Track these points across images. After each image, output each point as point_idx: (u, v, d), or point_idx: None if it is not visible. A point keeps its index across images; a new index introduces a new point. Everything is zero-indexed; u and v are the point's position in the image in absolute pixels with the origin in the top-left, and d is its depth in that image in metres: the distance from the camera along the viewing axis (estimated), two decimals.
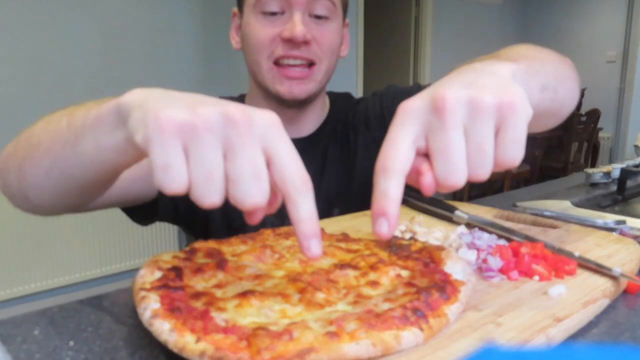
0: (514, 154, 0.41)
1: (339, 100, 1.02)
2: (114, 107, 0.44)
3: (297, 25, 0.81)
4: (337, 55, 0.90)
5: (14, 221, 2.46)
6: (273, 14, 0.83)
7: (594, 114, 4.54)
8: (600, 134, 4.97)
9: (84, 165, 0.49)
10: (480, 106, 0.39)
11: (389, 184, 0.41)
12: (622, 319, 0.50)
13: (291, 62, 0.84)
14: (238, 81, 3.09)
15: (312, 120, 0.95)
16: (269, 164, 0.39)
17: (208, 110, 0.37)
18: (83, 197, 0.58)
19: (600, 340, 0.46)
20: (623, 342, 0.46)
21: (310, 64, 0.85)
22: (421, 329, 0.41)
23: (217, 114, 0.37)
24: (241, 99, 0.99)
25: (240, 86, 0.93)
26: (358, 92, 3.90)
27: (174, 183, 0.36)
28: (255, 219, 0.42)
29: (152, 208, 0.84)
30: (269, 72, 0.85)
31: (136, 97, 0.42)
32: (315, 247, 0.40)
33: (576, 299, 0.49)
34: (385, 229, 0.42)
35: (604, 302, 0.51)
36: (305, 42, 0.83)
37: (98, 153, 0.46)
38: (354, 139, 0.97)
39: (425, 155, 0.41)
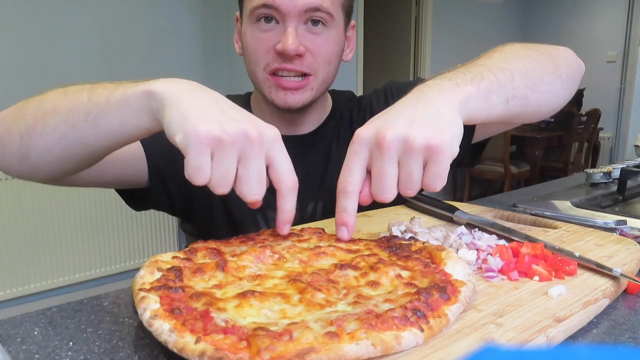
0: (436, 184, 0.52)
1: (341, 98, 1.02)
2: (142, 92, 0.55)
3: (290, 39, 0.80)
4: (337, 62, 0.90)
5: (14, 221, 2.46)
6: (268, 23, 0.83)
7: (594, 114, 4.54)
8: (601, 134, 4.97)
9: (102, 136, 0.59)
10: (411, 146, 0.50)
11: (348, 203, 0.55)
12: (622, 319, 0.50)
13: (285, 74, 0.84)
14: (238, 81, 3.09)
15: (312, 120, 0.96)
16: (268, 167, 0.53)
17: (234, 127, 0.50)
18: (84, 163, 0.65)
19: (601, 341, 0.46)
20: (623, 343, 0.46)
21: (305, 75, 0.85)
22: (421, 329, 0.41)
23: (240, 133, 0.50)
24: (247, 96, 1.01)
25: (240, 86, 0.93)
26: (358, 92, 3.89)
27: (200, 179, 0.50)
28: (255, 206, 0.55)
29: (145, 195, 0.87)
30: (265, 82, 0.86)
31: (167, 91, 0.54)
32: (287, 229, 0.58)
33: (576, 299, 0.49)
34: (345, 234, 0.57)
35: (604, 303, 0.51)
36: (299, 55, 0.82)
37: (121, 128, 0.57)
38: None
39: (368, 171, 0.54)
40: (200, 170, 0.49)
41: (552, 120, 4.56)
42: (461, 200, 1.00)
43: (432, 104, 0.55)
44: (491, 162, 4.30)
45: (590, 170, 1.20)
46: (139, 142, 0.82)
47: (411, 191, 0.52)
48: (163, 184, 0.86)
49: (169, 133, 0.52)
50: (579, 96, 4.60)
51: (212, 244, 0.59)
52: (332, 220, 0.82)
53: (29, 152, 0.63)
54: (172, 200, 0.90)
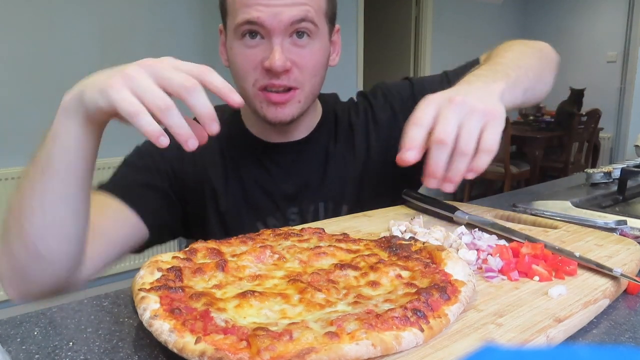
0: (490, 143, 0.61)
1: (329, 101, 1.02)
2: (59, 113, 0.59)
3: (276, 56, 0.80)
4: (323, 72, 0.90)
5: None
6: (253, 38, 0.83)
7: (595, 114, 4.54)
8: (601, 134, 4.97)
9: (64, 173, 0.60)
10: (474, 109, 0.61)
11: (417, 132, 0.61)
12: (623, 320, 0.50)
13: (273, 89, 0.84)
14: None
15: (304, 127, 0.96)
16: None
17: (134, 65, 0.55)
18: (76, 216, 0.65)
19: (601, 341, 0.46)
20: (623, 343, 0.46)
21: (290, 89, 0.85)
22: (421, 330, 0.41)
23: (140, 65, 0.55)
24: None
25: None
26: None
27: (130, 106, 0.52)
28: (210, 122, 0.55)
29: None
30: (256, 98, 0.86)
31: (76, 90, 0.58)
32: (215, 126, 0.55)
33: (576, 300, 0.49)
34: (412, 156, 0.61)
35: (605, 303, 0.51)
36: (286, 70, 0.82)
37: (67, 154, 0.59)
38: (361, 138, 0.98)
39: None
40: (126, 100, 0.53)
41: (552, 120, 4.56)
42: (461, 200, 1.00)
43: (482, 89, 0.66)
44: (491, 162, 4.30)
45: (590, 170, 1.20)
46: (125, 210, 0.81)
47: (468, 147, 0.60)
48: (163, 224, 0.89)
49: (95, 106, 0.56)
50: (579, 96, 4.59)
51: (212, 244, 0.59)
52: (332, 220, 0.83)
53: (35, 245, 0.63)
54: (173, 232, 0.95)
